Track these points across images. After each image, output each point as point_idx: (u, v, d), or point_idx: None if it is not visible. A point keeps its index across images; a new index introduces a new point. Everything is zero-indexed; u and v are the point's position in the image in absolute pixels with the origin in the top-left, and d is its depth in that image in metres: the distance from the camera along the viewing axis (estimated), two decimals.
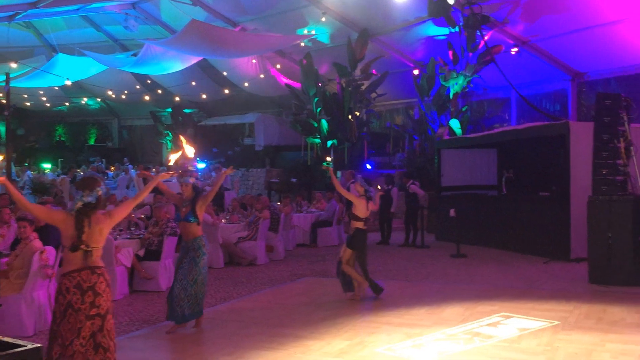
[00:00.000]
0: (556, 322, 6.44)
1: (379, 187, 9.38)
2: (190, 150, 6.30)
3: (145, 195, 5.39)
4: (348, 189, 12.23)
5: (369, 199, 7.96)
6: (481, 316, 6.79)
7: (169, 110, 26.84)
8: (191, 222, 6.41)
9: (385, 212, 13.60)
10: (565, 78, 17.04)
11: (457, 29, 15.39)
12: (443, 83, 17.15)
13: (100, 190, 4.44)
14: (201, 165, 22.36)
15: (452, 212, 11.93)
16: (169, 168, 7.57)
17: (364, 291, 7.95)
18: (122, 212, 4.73)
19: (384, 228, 13.79)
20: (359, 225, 7.87)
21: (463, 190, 14.23)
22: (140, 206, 13.22)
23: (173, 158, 5.87)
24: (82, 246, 4.26)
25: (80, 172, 20.43)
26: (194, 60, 19.51)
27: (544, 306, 7.23)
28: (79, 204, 4.33)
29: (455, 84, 16.90)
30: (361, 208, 7.85)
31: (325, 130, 19.50)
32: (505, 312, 6.94)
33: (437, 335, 6.13)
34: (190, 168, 6.75)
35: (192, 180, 6.63)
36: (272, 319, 7.03)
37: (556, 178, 11.36)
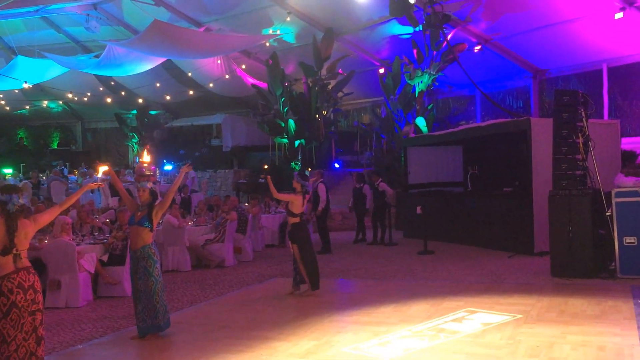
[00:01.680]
0: (519, 316, 6.55)
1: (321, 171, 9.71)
2: (146, 155, 6.32)
3: (72, 202, 5.55)
4: (316, 189, 12.41)
5: (305, 193, 8.34)
6: (446, 312, 6.87)
7: (134, 112, 26.42)
8: (145, 227, 6.25)
9: (360, 209, 13.74)
10: (527, 75, 17.40)
11: (419, 27, 15.54)
12: (408, 81, 17.32)
13: (21, 197, 4.77)
14: (168, 167, 22.14)
15: (418, 210, 12.05)
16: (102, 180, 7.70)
17: (308, 288, 8.18)
18: (46, 218, 4.99)
19: (361, 226, 13.91)
20: (295, 220, 8.23)
21: (429, 188, 14.40)
22: (104, 210, 13.02)
23: (102, 171, 5.97)
24: (14, 250, 4.54)
25: (43, 177, 19.96)
26: (158, 61, 19.26)
27: (508, 300, 7.36)
28: (18, 206, 4.61)
29: (421, 82, 17.08)
30: (297, 204, 8.21)
31: (292, 130, 19.49)
32: (470, 307, 7.04)
33: (403, 332, 6.17)
34: (148, 172, 6.61)
35: (149, 185, 6.47)
36: (240, 322, 6.99)
37: (519, 174, 11.57)
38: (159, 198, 6.59)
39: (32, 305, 4.56)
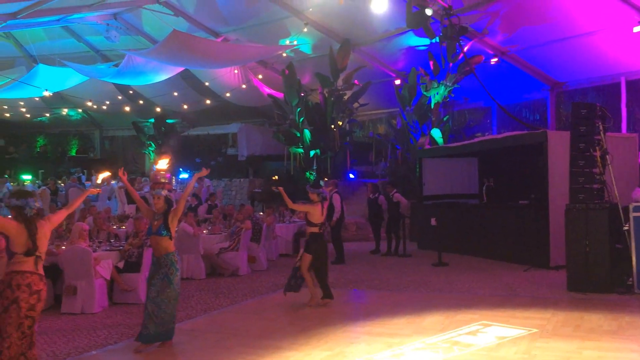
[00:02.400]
0: (534, 330, 6.49)
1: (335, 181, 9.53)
2: (162, 162, 6.34)
3: (77, 205, 5.73)
4: (331, 199, 12.43)
5: (323, 200, 8.24)
6: (461, 325, 6.82)
7: (152, 120, 26.70)
8: (163, 235, 6.23)
9: (376, 220, 13.76)
10: (544, 88, 17.31)
11: (436, 39, 15.55)
12: (424, 93, 17.31)
13: (36, 201, 4.93)
14: (184, 176, 22.30)
15: (433, 221, 12.00)
16: (99, 186, 7.86)
17: (318, 299, 8.09)
18: (58, 218, 5.17)
19: (377, 237, 13.91)
20: (314, 230, 8.10)
21: (444, 199, 14.34)
22: (121, 217, 13.14)
23: (101, 177, 6.08)
24: (37, 252, 4.73)
25: (61, 184, 20.21)
26: (176, 70, 19.47)
27: (523, 314, 7.29)
28: (35, 210, 4.79)
29: (437, 94, 17.06)
30: (316, 214, 8.09)
31: (308, 140, 19.55)
32: (485, 320, 6.99)
33: (417, 344, 6.14)
34: (163, 180, 6.58)
35: (164, 192, 6.40)
36: (253, 330, 7.00)
37: (536, 186, 11.48)
38: (174, 205, 6.58)
39: (29, 310, 4.68)
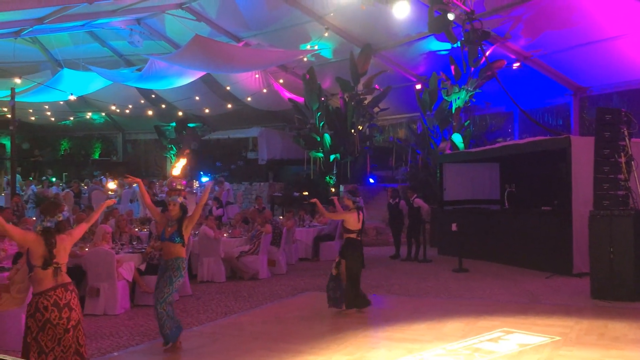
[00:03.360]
0: (557, 338, 6.41)
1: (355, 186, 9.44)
2: (178, 169, 6.37)
3: (96, 218, 5.68)
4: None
5: (359, 209, 8.12)
6: (482, 331, 6.76)
7: (173, 124, 26.98)
8: (176, 242, 6.20)
9: (397, 225, 13.72)
10: (567, 93, 17.11)
11: (458, 44, 15.48)
12: (445, 97, 17.23)
13: (60, 216, 4.89)
14: (205, 179, 22.46)
15: (454, 227, 11.93)
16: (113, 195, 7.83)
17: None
18: (78, 233, 5.14)
19: (397, 243, 13.87)
20: (352, 235, 8.00)
21: (465, 205, 14.24)
22: (142, 220, 13.27)
23: (110, 186, 6.12)
24: (54, 262, 4.68)
25: (84, 186, 20.49)
26: (197, 75, 19.64)
27: (546, 321, 7.20)
28: (39, 228, 4.79)
29: (458, 99, 16.97)
30: (352, 221, 7.98)
31: (328, 145, 19.57)
32: (506, 327, 6.92)
33: (438, 350, 6.11)
34: (179, 187, 6.55)
35: (180, 199, 6.36)
36: (273, 334, 7.02)
37: (558, 192, 11.36)
38: (189, 213, 6.55)
39: (68, 323, 4.65)
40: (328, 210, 9.42)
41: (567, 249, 10.56)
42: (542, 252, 11.23)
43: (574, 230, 10.42)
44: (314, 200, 8.61)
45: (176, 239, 6.20)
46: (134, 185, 18.47)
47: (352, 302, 7.89)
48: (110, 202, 6.17)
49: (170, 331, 6.20)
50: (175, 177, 7.28)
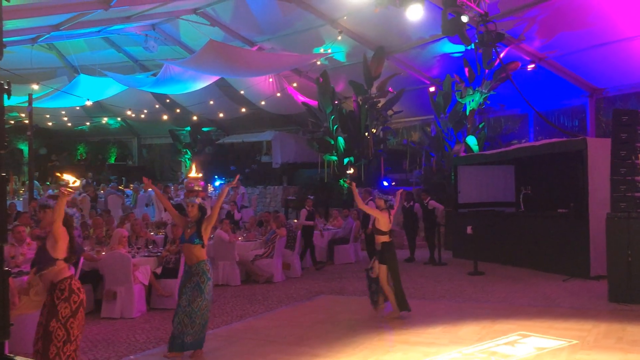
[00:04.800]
0: (575, 342, 6.35)
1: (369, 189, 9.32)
2: (194, 170, 6.37)
3: (59, 215, 5.56)
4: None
5: (390, 208, 8.03)
6: (498, 335, 6.72)
7: (188, 128, 27.16)
8: (196, 244, 6.19)
9: (411, 228, 13.68)
10: (583, 94, 16.95)
11: (472, 46, 15.41)
12: (459, 100, 17.16)
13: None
14: (218, 184, 22.58)
15: (469, 230, 11.87)
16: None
17: (397, 311, 7.84)
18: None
19: (413, 245, 13.81)
20: (385, 239, 7.86)
21: (480, 207, 14.16)
22: (158, 224, 13.36)
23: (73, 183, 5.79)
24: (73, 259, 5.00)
25: (101, 191, 20.69)
26: (212, 79, 19.75)
27: (563, 325, 7.14)
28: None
29: (472, 101, 16.89)
30: (384, 221, 7.85)
31: (342, 148, 19.57)
32: (523, 330, 6.87)
33: (454, 354, 6.08)
34: (197, 188, 6.60)
35: (198, 200, 6.41)
36: (289, 337, 7.03)
37: (574, 195, 11.25)
38: (208, 213, 6.57)
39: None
40: (363, 200, 9.19)
41: (584, 251, 10.46)
42: (559, 255, 11.14)
43: (591, 232, 10.33)
44: (353, 184, 8.27)
45: (195, 240, 6.20)
46: (149, 189, 18.63)
47: (403, 304, 7.80)
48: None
49: (192, 340, 6.03)
50: (192, 178, 7.33)
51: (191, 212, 6.36)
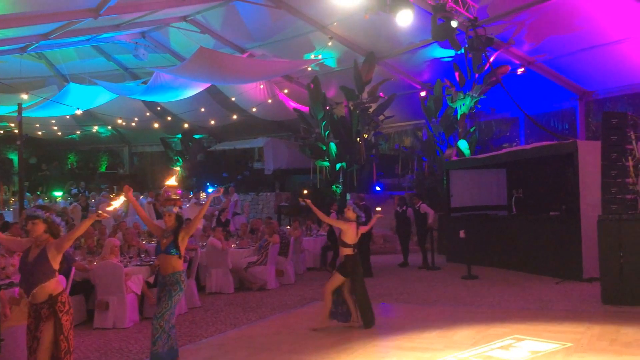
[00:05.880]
0: (569, 344, 6.36)
1: (378, 208, 9.24)
2: (172, 179, 6.19)
3: (81, 232, 5.22)
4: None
5: (359, 224, 7.80)
6: (493, 339, 6.72)
7: (179, 136, 27.08)
8: (172, 254, 5.88)
9: (404, 233, 13.69)
10: (573, 97, 17.07)
11: (462, 50, 15.49)
12: (450, 104, 17.23)
13: None
14: (211, 190, 22.50)
15: (461, 234, 11.89)
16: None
17: (358, 322, 7.68)
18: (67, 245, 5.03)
19: (406, 250, 13.82)
20: (349, 251, 7.61)
21: (473, 211, 14.21)
22: (152, 234, 13.28)
23: (116, 204, 5.83)
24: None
25: (92, 200, 20.56)
26: (203, 86, 19.72)
27: (557, 328, 7.15)
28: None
29: (463, 105, 16.97)
30: (350, 234, 7.62)
31: (333, 153, 19.58)
32: (518, 334, 6.87)
33: (449, 359, 6.07)
34: (174, 196, 6.36)
35: (175, 209, 6.09)
36: (283, 345, 7.00)
37: (566, 197, 11.32)
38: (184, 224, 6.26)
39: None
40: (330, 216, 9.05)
41: (576, 254, 10.50)
42: (552, 258, 11.17)
43: (583, 235, 10.37)
44: (307, 200, 8.12)
45: (172, 251, 5.88)
46: (141, 197, 18.54)
47: (368, 320, 7.63)
48: (103, 215, 5.26)
49: (162, 351, 5.76)
50: (169, 187, 7.12)
51: (168, 221, 6.07)
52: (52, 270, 4.77)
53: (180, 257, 5.92)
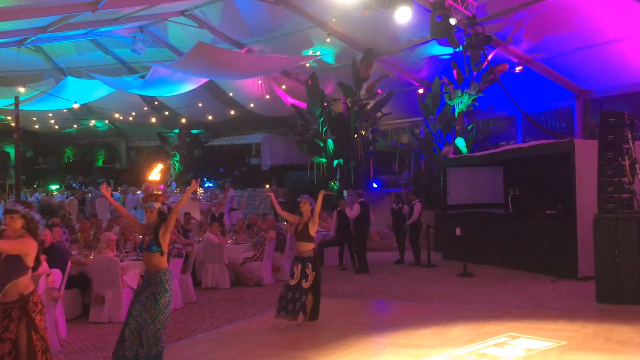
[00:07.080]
0: (563, 342, 6.38)
1: (267, 186, 9.21)
2: (154, 174, 6.06)
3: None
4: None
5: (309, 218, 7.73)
6: (488, 336, 6.74)
7: (176, 131, 27.05)
8: (153, 252, 5.58)
9: (400, 230, 13.71)
10: (570, 96, 17.08)
11: (460, 48, 15.49)
12: (448, 102, 17.23)
13: None
14: (209, 185, 22.50)
15: (458, 231, 11.91)
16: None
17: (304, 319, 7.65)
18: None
19: (402, 247, 13.85)
20: (314, 245, 7.71)
21: (469, 209, 14.22)
22: None
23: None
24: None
25: (89, 194, 20.54)
26: (200, 81, 19.70)
27: (552, 326, 7.18)
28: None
29: (460, 103, 16.96)
30: (313, 228, 7.62)
31: (331, 150, 19.58)
32: (512, 332, 6.89)
33: (443, 356, 6.09)
34: (157, 192, 6.12)
35: (157, 205, 5.81)
36: (278, 340, 7.01)
37: (562, 196, 11.33)
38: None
39: None
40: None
41: (572, 252, 10.53)
42: (547, 256, 11.20)
43: (579, 233, 10.40)
44: (270, 194, 8.11)
45: (153, 248, 5.60)
46: (138, 192, 18.52)
47: (315, 314, 7.66)
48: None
49: (145, 354, 5.37)
50: (151, 182, 6.95)
51: (149, 217, 5.79)
52: (24, 266, 4.60)
53: (162, 254, 5.64)
